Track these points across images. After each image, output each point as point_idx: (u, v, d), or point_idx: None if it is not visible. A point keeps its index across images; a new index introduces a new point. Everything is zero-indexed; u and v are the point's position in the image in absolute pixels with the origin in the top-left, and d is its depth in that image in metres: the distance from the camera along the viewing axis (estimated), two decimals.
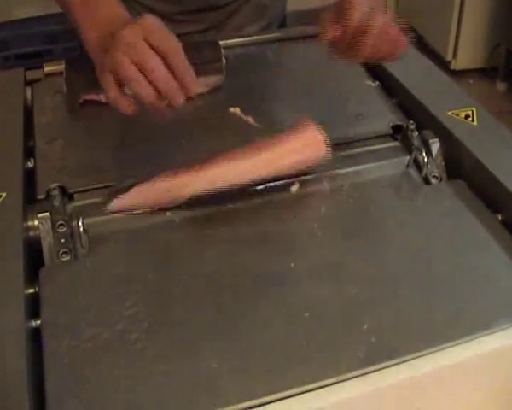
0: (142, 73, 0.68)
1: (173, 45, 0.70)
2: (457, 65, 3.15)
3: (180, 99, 0.71)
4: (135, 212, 0.76)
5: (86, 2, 0.78)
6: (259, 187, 0.80)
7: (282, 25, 1.27)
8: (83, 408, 0.56)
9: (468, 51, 3.13)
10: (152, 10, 1.11)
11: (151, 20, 0.70)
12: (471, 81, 3.13)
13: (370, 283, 0.68)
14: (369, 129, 0.89)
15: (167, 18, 1.10)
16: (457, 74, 3.06)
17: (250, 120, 0.91)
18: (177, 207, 0.77)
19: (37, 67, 1.07)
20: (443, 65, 3.00)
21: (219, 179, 0.74)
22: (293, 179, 0.80)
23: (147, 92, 0.69)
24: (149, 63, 0.68)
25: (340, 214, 0.77)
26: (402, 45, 0.80)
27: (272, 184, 0.80)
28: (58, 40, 2.37)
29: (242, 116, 0.92)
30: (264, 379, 0.58)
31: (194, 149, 0.86)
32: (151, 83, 0.69)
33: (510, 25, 2.90)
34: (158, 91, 0.69)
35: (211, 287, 0.68)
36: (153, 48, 0.69)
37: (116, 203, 0.75)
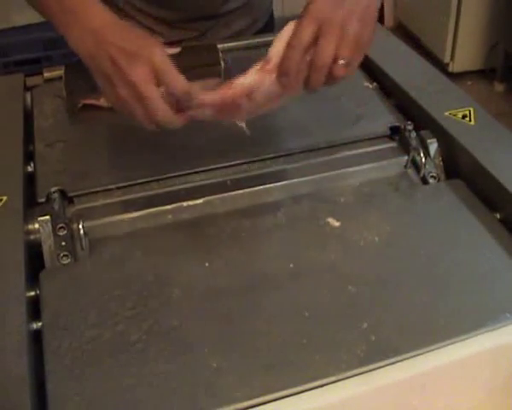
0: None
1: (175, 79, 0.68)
2: (455, 67, 3.16)
3: (178, 123, 0.71)
4: (135, 214, 0.77)
5: (65, 8, 0.73)
6: (260, 187, 0.80)
7: (270, 21, 1.28)
8: (84, 408, 0.56)
9: (465, 53, 3.14)
10: (151, 16, 1.11)
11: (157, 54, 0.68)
12: (469, 83, 3.13)
13: (370, 282, 0.68)
14: (367, 130, 0.90)
15: (166, 23, 1.11)
16: (456, 76, 3.06)
17: (243, 125, 0.91)
18: (178, 209, 0.78)
19: (36, 73, 1.08)
20: (441, 67, 3.01)
21: None
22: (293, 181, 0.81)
23: (149, 124, 0.69)
24: (152, 106, 0.67)
25: (338, 215, 0.77)
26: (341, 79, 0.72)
27: (272, 185, 0.81)
28: (57, 46, 2.37)
29: (237, 121, 0.92)
30: (263, 378, 0.58)
31: (191, 152, 0.86)
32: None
33: (508, 26, 2.91)
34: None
35: (210, 288, 0.68)
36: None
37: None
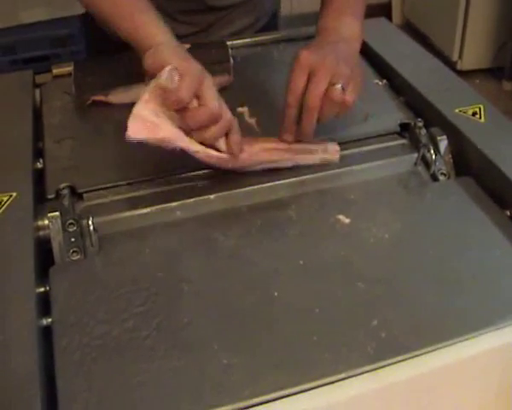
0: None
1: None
2: (464, 65, 3.14)
3: None
4: (145, 210, 0.77)
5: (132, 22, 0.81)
6: (270, 184, 0.80)
7: (272, 21, 1.28)
8: (94, 404, 0.56)
9: (474, 51, 3.13)
10: (155, 7, 1.11)
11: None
12: (477, 81, 3.12)
13: (379, 279, 0.68)
14: (377, 127, 0.90)
15: (170, 16, 1.11)
16: (464, 75, 3.05)
17: (253, 122, 0.91)
18: (187, 205, 0.78)
19: (44, 70, 1.08)
20: (449, 65, 2.98)
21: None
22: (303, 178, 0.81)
23: None
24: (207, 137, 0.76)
25: (348, 212, 0.77)
26: (346, 107, 0.80)
27: (282, 182, 0.81)
28: (65, 44, 2.38)
29: (247, 118, 0.92)
30: (273, 375, 0.58)
31: None
32: None
33: None
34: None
35: (220, 284, 0.68)
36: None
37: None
